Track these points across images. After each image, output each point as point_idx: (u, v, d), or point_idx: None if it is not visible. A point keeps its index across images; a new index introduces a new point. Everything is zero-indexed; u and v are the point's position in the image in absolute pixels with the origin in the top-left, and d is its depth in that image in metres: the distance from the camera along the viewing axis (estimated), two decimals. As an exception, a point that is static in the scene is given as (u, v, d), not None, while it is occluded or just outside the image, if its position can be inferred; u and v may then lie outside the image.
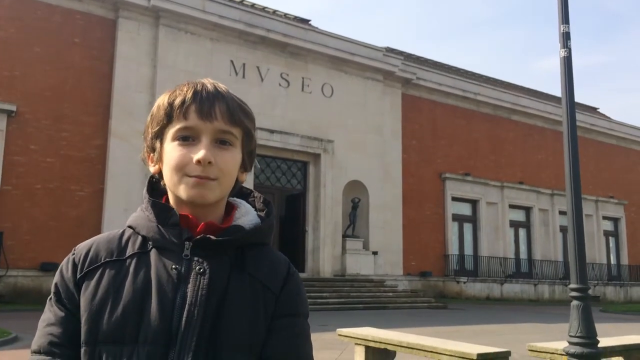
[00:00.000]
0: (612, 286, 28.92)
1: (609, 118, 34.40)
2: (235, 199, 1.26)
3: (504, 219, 26.19)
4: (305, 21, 24.69)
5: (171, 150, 1.16)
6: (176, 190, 1.16)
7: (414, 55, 28.69)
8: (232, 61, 19.67)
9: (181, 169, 1.14)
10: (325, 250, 20.45)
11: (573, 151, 5.81)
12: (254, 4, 23.07)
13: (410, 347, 5.49)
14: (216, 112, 1.16)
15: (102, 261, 1.16)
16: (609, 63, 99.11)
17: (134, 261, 1.15)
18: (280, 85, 20.57)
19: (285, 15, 23.83)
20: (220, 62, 19.31)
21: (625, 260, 30.79)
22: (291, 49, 20.83)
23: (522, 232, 27.30)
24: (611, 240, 30.93)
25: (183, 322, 1.08)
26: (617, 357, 6.00)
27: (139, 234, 1.18)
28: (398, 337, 5.87)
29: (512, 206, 26.67)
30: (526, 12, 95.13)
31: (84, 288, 1.14)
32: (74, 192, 16.72)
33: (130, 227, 1.21)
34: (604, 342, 5.61)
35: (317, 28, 22.83)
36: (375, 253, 21.60)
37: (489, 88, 27.22)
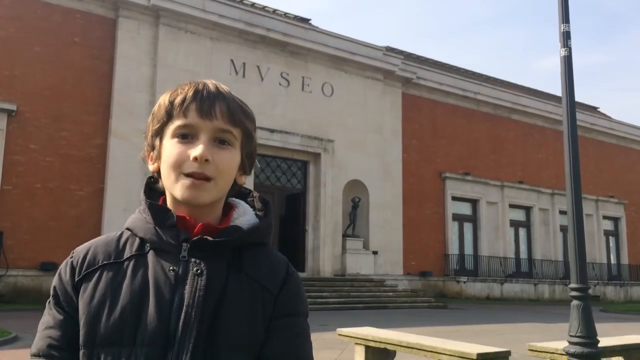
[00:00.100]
0: (612, 286, 28.92)
1: (609, 117, 34.40)
2: (233, 199, 1.26)
3: (504, 219, 26.19)
4: (305, 20, 24.69)
5: (169, 147, 1.16)
6: (172, 189, 1.16)
7: (414, 54, 28.69)
8: (232, 60, 19.67)
9: (178, 167, 1.14)
10: (325, 250, 20.45)
11: (573, 151, 5.81)
12: (254, 3, 23.06)
13: (410, 347, 5.48)
14: (216, 111, 1.16)
15: (99, 264, 1.16)
16: (609, 63, 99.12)
17: (131, 263, 1.15)
18: (280, 84, 20.56)
19: (285, 15, 23.83)
20: (220, 62, 19.31)
21: (625, 260, 30.79)
22: (291, 48, 20.82)
23: (522, 232, 27.30)
24: (611, 239, 30.93)
25: (180, 324, 1.07)
26: (617, 357, 5.99)
27: (136, 236, 1.18)
28: (398, 336, 5.87)
29: (512, 206, 26.66)
30: (526, 11, 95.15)
31: (82, 291, 1.14)
32: (73, 192, 16.72)
33: (128, 229, 1.21)
34: (604, 341, 5.61)
35: (317, 27, 22.82)
36: (375, 253, 21.60)
37: (489, 87, 27.21)
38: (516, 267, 26.22)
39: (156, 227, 1.16)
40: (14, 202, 15.83)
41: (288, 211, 21.21)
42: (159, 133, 1.19)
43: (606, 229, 30.50)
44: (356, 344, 6.14)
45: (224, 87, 1.21)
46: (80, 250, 1.20)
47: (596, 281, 27.40)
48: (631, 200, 31.46)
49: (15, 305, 14.19)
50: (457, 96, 25.72)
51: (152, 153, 1.22)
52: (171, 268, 1.12)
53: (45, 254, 15.56)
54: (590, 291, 5.55)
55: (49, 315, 1.16)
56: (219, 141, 1.17)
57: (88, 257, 1.17)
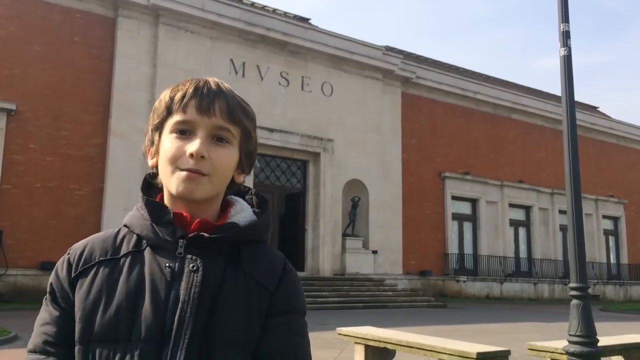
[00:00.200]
0: (611, 285, 28.93)
1: (609, 117, 34.40)
2: (232, 196, 1.26)
3: (503, 218, 26.19)
4: (305, 20, 24.68)
5: (167, 142, 1.16)
6: (168, 184, 1.16)
7: (413, 54, 28.68)
8: (231, 60, 19.66)
9: (174, 161, 1.14)
10: (324, 249, 20.45)
11: (573, 150, 5.81)
12: (254, 3, 23.05)
13: (409, 346, 5.48)
14: (215, 108, 1.16)
15: (96, 260, 1.16)
16: (609, 62, 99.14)
17: (128, 260, 1.15)
18: (280, 84, 20.56)
19: (285, 14, 23.82)
20: (220, 61, 19.30)
21: (625, 259, 30.80)
22: (291, 48, 20.82)
23: (521, 231, 27.30)
24: (611, 239, 30.94)
25: (176, 320, 1.07)
26: (616, 356, 6.00)
27: (133, 232, 1.18)
28: (398, 336, 5.87)
29: (511, 205, 26.67)
30: (526, 10, 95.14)
31: (78, 287, 1.14)
32: (73, 191, 16.71)
33: (125, 226, 1.21)
34: (603, 341, 5.61)
35: (316, 27, 22.81)
36: (375, 252, 21.60)
37: (488, 87, 27.21)
38: (516, 266, 26.22)
39: (153, 224, 1.16)
40: (13, 201, 15.82)
41: (288, 210, 21.21)
42: (159, 128, 1.19)
43: (606, 229, 30.50)
44: (356, 343, 6.14)
45: (225, 85, 1.21)
46: (77, 247, 1.20)
47: (596, 280, 27.40)
48: (631, 200, 31.46)
49: (15, 305, 14.20)
50: (457, 95, 25.71)
51: (151, 148, 1.22)
52: (167, 264, 1.12)
53: (44, 254, 15.56)
54: (589, 290, 5.55)
55: (46, 312, 1.16)
56: (217, 138, 1.16)
57: (85, 253, 1.17)
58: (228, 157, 1.18)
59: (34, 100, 16.45)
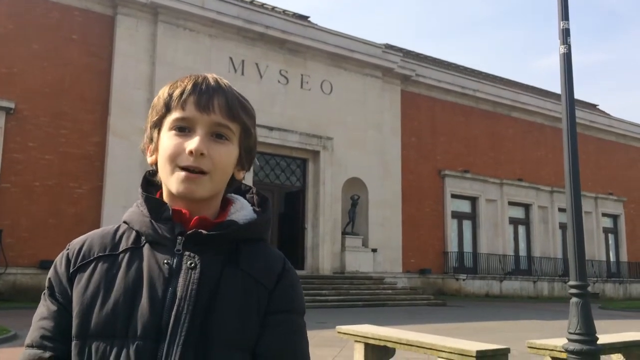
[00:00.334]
0: (611, 283, 28.95)
1: (609, 115, 34.38)
2: (232, 194, 1.25)
3: (503, 216, 26.20)
4: (305, 18, 24.65)
5: (166, 140, 1.16)
6: (168, 182, 1.16)
7: (413, 52, 28.65)
8: (231, 58, 19.64)
9: (174, 159, 1.13)
10: (324, 248, 20.45)
11: (572, 148, 5.80)
12: (253, 1, 23.01)
13: (409, 344, 5.48)
14: (214, 105, 1.15)
15: (95, 256, 1.15)
16: (609, 61, 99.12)
17: (126, 256, 1.14)
18: (279, 82, 20.54)
19: (284, 12, 23.78)
20: (219, 59, 19.28)
21: (624, 257, 30.82)
22: (290, 46, 20.80)
23: (521, 229, 27.31)
24: (610, 237, 30.97)
25: (172, 317, 1.07)
26: (616, 354, 6.00)
27: (133, 229, 1.18)
28: (397, 334, 5.86)
29: (511, 203, 26.68)
30: (526, 10, 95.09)
31: (76, 282, 1.14)
32: (72, 190, 16.70)
33: (125, 222, 1.21)
34: (603, 339, 5.61)
35: (316, 25, 22.78)
36: (374, 250, 21.60)
37: (488, 85, 27.20)
38: (515, 264, 26.24)
39: (152, 221, 1.15)
40: (13, 200, 15.82)
41: (287, 209, 21.20)
42: (157, 125, 1.19)
43: (605, 227, 30.52)
44: (355, 341, 6.14)
45: (224, 81, 1.20)
46: (76, 242, 1.20)
47: (595, 278, 27.42)
48: (630, 198, 31.48)
49: (15, 303, 14.20)
50: (456, 94, 25.71)
51: (150, 145, 1.22)
52: (165, 261, 1.12)
53: (44, 252, 15.56)
54: (589, 288, 5.54)
55: (44, 307, 1.16)
56: (216, 135, 1.16)
57: (84, 249, 1.17)
58: (228, 154, 1.17)
59: (33, 98, 16.43)
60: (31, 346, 1.13)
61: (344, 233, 21.18)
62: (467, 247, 25.24)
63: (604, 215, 30.38)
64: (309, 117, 20.90)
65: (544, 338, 6.35)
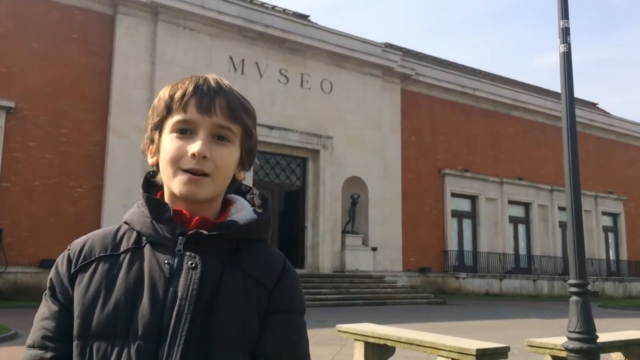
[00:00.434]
0: (611, 282, 28.96)
1: (609, 114, 34.39)
2: (232, 195, 1.26)
3: (503, 215, 26.21)
4: (304, 17, 24.64)
5: (168, 142, 1.16)
6: (170, 184, 1.16)
7: (413, 51, 28.65)
8: (231, 57, 19.64)
9: (176, 162, 1.14)
10: (324, 247, 20.45)
11: (572, 147, 5.80)
12: (253, 0, 23.01)
13: (409, 343, 5.48)
14: (216, 107, 1.15)
15: (96, 256, 1.16)
16: (609, 59, 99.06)
17: (127, 256, 1.15)
18: (279, 81, 20.54)
19: (284, 11, 23.78)
20: (219, 58, 19.28)
21: (624, 256, 30.83)
22: (290, 45, 20.80)
23: (521, 228, 27.32)
24: (610, 235, 30.97)
25: (173, 317, 1.07)
26: (616, 353, 6.00)
27: (134, 229, 1.19)
28: (397, 332, 5.87)
29: (511, 202, 26.68)
30: (526, 8, 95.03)
31: (77, 282, 1.14)
32: (73, 189, 16.71)
33: (126, 222, 1.21)
34: (603, 337, 5.61)
35: (316, 24, 22.77)
36: (374, 249, 21.61)
37: (488, 84, 27.19)
38: (515, 263, 26.25)
39: (153, 221, 1.16)
40: (13, 199, 15.82)
41: (287, 208, 21.21)
42: (159, 127, 1.19)
43: (605, 225, 30.53)
44: (355, 340, 6.14)
45: (225, 82, 1.20)
46: (77, 243, 1.20)
47: (595, 277, 27.44)
48: (630, 196, 31.49)
49: (15, 302, 14.21)
50: (456, 92, 25.71)
51: (151, 146, 1.22)
52: (166, 261, 1.12)
53: (44, 251, 15.57)
54: (589, 287, 5.54)
55: (45, 307, 1.16)
56: (218, 137, 1.16)
57: (85, 249, 1.18)
58: (229, 156, 1.17)
59: (33, 97, 16.44)
60: (32, 346, 1.13)
61: (344, 232, 21.19)
62: (467, 246, 25.25)
63: (603, 213, 30.38)
64: (309, 116, 20.91)
65: (544, 336, 6.35)
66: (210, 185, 1.15)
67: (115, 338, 1.07)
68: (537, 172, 27.82)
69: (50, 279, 1.18)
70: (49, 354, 1.11)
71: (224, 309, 1.10)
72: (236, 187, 1.27)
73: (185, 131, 1.15)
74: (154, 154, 1.21)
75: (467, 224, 25.50)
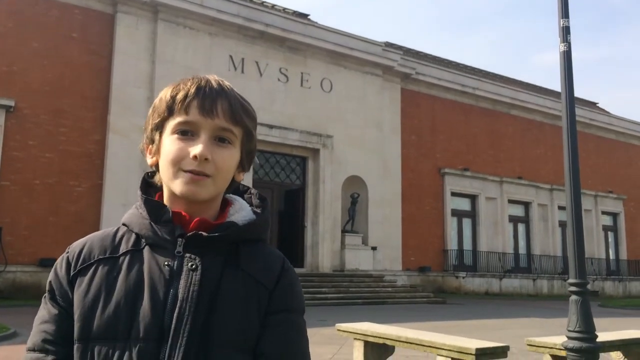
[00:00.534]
0: (610, 281, 28.97)
1: (609, 113, 34.38)
2: (231, 195, 1.26)
3: (503, 214, 26.21)
4: (304, 16, 24.63)
5: (169, 143, 1.16)
6: (171, 184, 1.16)
7: (413, 49, 28.64)
8: (230, 56, 19.63)
9: (177, 163, 1.14)
10: (324, 246, 20.45)
11: (572, 146, 5.80)
12: (253, -1, 22.99)
13: (409, 342, 5.48)
14: (218, 109, 1.16)
15: (95, 259, 1.16)
16: (609, 58, 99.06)
17: (127, 258, 1.15)
18: (279, 80, 20.53)
19: (284, 10, 23.77)
20: (219, 57, 19.27)
21: (624, 255, 30.84)
22: (290, 44, 20.78)
23: (521, 227, 27.32)
24: (610, 235, 30.98)
25: (174, 318, 1.07)
26: (615, 352, 6.00)
27: (132, 231, 1.18)
28: (397, 332, 5.87)
29: (511, 201, 26.69)
30: (526, 7, 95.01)
31: (77, 285, 1.14)
32: (72, 188, 16.71)
33: (124, 224, 1.21)
34: (602, 336, 5.61)
35: (316, 23, 22.76)
36: (374, 248, 21.62)
37: (488, 83, 27.19)
38: (515, 262, 26.25)
39: (152, 223, 1.16)
40: (12, 198, 15.82)
41: (287, 207, 21.21)
42: (159, 127, 1.19)
43: (605, 224, 30.54)
44: (355, 339, 6.14)
45: (226, 84, 1.21)
46: (75, 245, 1.20)
47: (595, 276, 27.44)
48: (630, 196, 31.49)
49: (14, 301, 14.21)
50: (456, 91, 25.70)
51: (151, 146, 1.22)
52: (166, 263, 1.12)
53: (44, 250, 15.57)
54: (588, 286, 5.54)
55: (45, 310, 1.16)
56: (219, 139, 1.16)
57: (84, 252, 1.17)
58: (230, 158, 1.18)
59: (33, 96, 16.43)
60: (33, 350, 1.13)
61: (343, 231, 21.19)
62: (467, 245, 25.26)
63: (603, 213, 30.39)
64: (309, 115, 20.90)
65: (544, 336, 6.36)
66: (212, 186, 1.15)
67: (117, 340, 1.07)
68: (537, 171, 27.82)
69: (50, 282, 1.18)
70: (49, 357, 1.11)
71: (224, 310, 1.10)
72: (234, 187, 1.27)
73: (186, 132, 1.15)
74: (154, 154, 1.21)
75: (466, 223, 25.51)
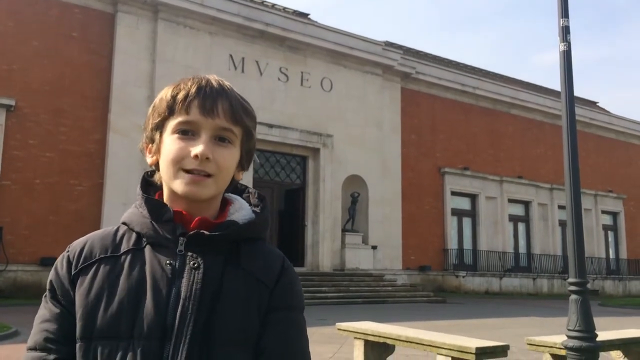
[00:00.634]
0: (610, 280, 28.98)
1: (609, 112, 34.38)
2: (230, 194, 1.27)
3: (503, 214, 26.21)
4: (304, 15, 24.62)
5: (170, 143, 1.17)
6: (171, 183, 1.17)
7: (413, 49, 28.62)
8: (231, 55, 19.62)
9: (178, 162, 1.15)
10: (324, 245, 20.46)
11: (572, 145, 5.80)
12: (253, -2, 22.98)
13: (409, 341, 5.49)
14: (218, 109, 1.17)
15: (96, 257, 1.16)
16: (609, 58, 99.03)
17: (128, 257, 1.15)
18: (279, 79, 20.53)
19: (284, 9, 23.77)
20: (219, 56, 19.27)
21: (624, 255, 30.84)
22: (290, 43, 20.78)
23: (521, 227, 27.32)
24: (610, 234, 30.98)
25: (178, 317, 1.08)
26: (615, 351, 6.01)
27: (133, 230, 1.19)
28: (397, 331, 5.87)
29: (511, 200, 26.69)
30: (526, 7, 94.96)
31: (78, 284, 1.15)
32: (73, 187, 16.71)
33: (124, 223, 1.21)
34: (602, 335, 5.61)
35: (316, 22, 22.76)
36: (374, 247, 21.62)
37: (488, 82, 27.19)
38: (515, 261, 26.26)
39: (153, 222, 1.16)
40: (13, 197, 15.83)
41: (287, 206, 21.22)
42: (159, 127, 1.20)
43: (605, 224, 30.54)
44: (355, 338, 6.15)
45: (226, 84, 1.22)
46: (76, 244, 1.20)
47: (595, 275, 27.45)
48: (630, 195, 31.49)
49: (15, 300, 14.22)
50: (456, 91, 25.70)
51: (150, 146, 1.23)
52: (168, 262, 1.13)
53: (44, 249, 15.58)
54: (588, 285, 5.55)
55: (45, 309, 1.16)
56: (219, 139, 1.17)
57: (85, 251, 1.18)
58: (231, 157, 1.19)
59: (33, 96, 16.43)
60: (34, 349, 1.13)
61: (344, 230, 21.19)
62: (467, 244, 25.27)
63: (603, 212, 30.39)
64: (309, 115, 20.90)
65: (544, 335, 6.36)
66: (213, 185, 1.16)
67: (120, 339, 1.08)
68: (537, 171, 27.82)
69: (50, 281, 1.18)
70: (51, 356, 1.12)
71: (226, 309, 1.11)
72: (233, 186, 1.28)
73: (187, 132, 1.16)
74: (154, 153, 1.22)
75: (467, 222, 25.51)
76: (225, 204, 1.24)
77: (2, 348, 8.42)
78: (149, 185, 1.26)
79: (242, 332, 1.11)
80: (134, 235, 1.18)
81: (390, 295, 18.78)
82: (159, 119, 1.19)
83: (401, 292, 19.39)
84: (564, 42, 6.10)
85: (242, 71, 19.74)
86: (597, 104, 37.28)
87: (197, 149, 1.14)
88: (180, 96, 1.17)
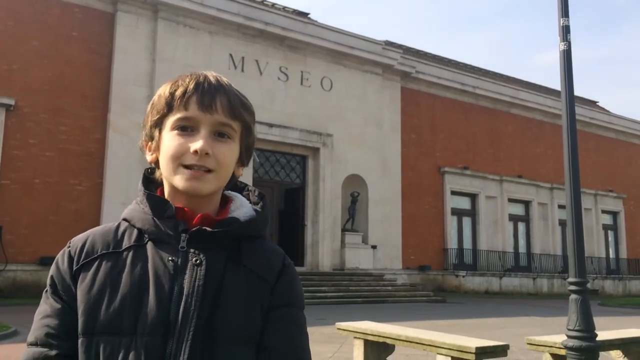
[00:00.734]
0: (610, 280, 28.98)
1: (609, 112, 34.38)
2: (230, 192, 1.27)
3: (503, 213, 26.21)
4: (304, 14, 24.62)
5: (169, 139, 1.17)
6: (172, 179, 1.17)
7: (413, 48, 28.62)
8: (230, 55, 19.62)
9: (178, 158, 1.15)
10: (324, 244, 20.46)
11: (572, 145, 5.80)
12: (253, -2, 22.96)
13: (409, 341, 5.49)
14: (217, 105, 1.17)
15: (98, 253, 1.16)
16: (609, 57, 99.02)
17: (130, 254, 1.15)
18: (279, 78, 20.52)
19: (284, 9, 23.76)
20: (219, 56, 19.26)
21: (624, 254, 30.85)
22: (290, 43, 20.77)
23: (521, 226, 27.32)
24: (610, 234, 30.98)
25: (180, 313, 1.08)
26: (615, 351, 6.01)
27: (134, 226, 1.19)
28: (397, 330, 5.87)
29: (511, 200, 26.69)
30: (526, 6, 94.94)
31: (80, 280, 1.14)
32: (73, 186, 16.71)
33: (125, 220, 1.21)
34: (602, 335, 5.61)
35: (316, 21, 22.75)
36: (374, 247, 21.62)
37: (488, 81, 27.18)
38: (515, 261, 26.26)
39: (154, 218, 1.16)
40: (13, 197, 15.82)
41: (287, 206, 21.21)
42: (159, 124, 1.20)
43: (605, 223, 30.54)
44: (355, 337, 6.14)
45: (224, 80, 1.22)
46: (77, 240, 1.20)
47: (595, 275, 27.45)
48: (630, 195, 31.49)
49: (15, 300, 14.22)
50: (456, 90, 25.69)
51: (150, 143, 1.23)
52: (170, 258, 1.13)
53: (44, 249, 15.57)
54: (588, 285, 5.55)
55: (46, 304, 1.16)
56: (219, 134, 1.17)
57: (86, 246, 1.18)
58: (230, 152, 1.19)
59: (33, 95, 16.43)
60: (35, 344, 1.13)
61: (343, 230, 21.19)
62: (467, 244, 25.27)
63: (603, 212, 30.39)
64: (309, 114, 20.90)
65: (544, 334, 6.36)
66: (214, 180, 1.16)
67: (122, 335, 1.08)
68: (537, 170, 27.82)
69: (51, 276, 1.18)
70: (53, 352, 1.11)
71: (228, 305, 1.11)
72: (233, 183, 1.28)
73: (186, 128, 1.16)
74: (154, 151, 1.22)
75: (466, 222, 25.51)
76: (225, 201, 1.24)
77: (1, 348, 8.42)
78: (150, 182, 1.25)
79: (245, 329, 1.11)
80: (135, 231, 1.18)
81: (390, 294, 18.78)
82: (158, 116, 1.19)
83: (401, 292, 19.39)
84: (564, 41, 6.10)
85: (242, 70, 19.74)
86: (597, 104, 37.29)
87: (196, 144, 1.14)
88: (179, 93, 1.17)
